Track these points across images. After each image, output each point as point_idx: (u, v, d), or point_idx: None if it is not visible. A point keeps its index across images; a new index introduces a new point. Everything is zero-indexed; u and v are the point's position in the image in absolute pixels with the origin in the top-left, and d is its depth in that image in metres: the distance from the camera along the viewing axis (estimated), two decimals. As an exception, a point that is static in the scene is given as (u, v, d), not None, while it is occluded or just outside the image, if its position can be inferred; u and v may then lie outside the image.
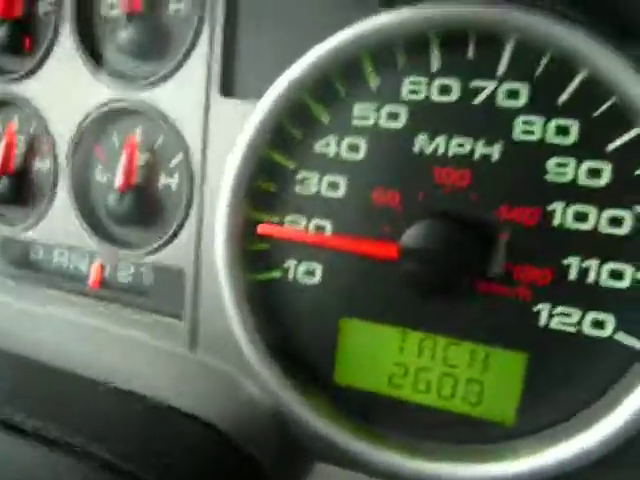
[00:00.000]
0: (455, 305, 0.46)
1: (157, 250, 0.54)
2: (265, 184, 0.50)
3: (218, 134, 0.51)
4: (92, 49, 0.55)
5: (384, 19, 0.43)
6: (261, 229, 0.48)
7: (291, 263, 0.50)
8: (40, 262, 0.63)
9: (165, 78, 0.52)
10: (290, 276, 0.51)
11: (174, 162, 0.54)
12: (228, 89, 0.50)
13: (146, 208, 0.55)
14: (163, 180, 0.54)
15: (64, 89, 0.56)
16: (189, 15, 0.51)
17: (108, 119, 0.55)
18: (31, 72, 0.58)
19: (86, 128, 0.56)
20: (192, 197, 0.52)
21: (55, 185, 0.58)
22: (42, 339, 0.57)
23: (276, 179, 0.49)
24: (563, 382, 0.44)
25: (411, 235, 0.44)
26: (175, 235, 0.53)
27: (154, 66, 0.53)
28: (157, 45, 0.52)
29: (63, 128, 0.57)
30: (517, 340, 0.45)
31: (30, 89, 0.58)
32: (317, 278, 0.50)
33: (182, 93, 0.51)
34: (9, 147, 0.60)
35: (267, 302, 0.51)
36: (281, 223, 0.50)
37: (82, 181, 0.58)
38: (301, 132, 0.48)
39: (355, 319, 0.49)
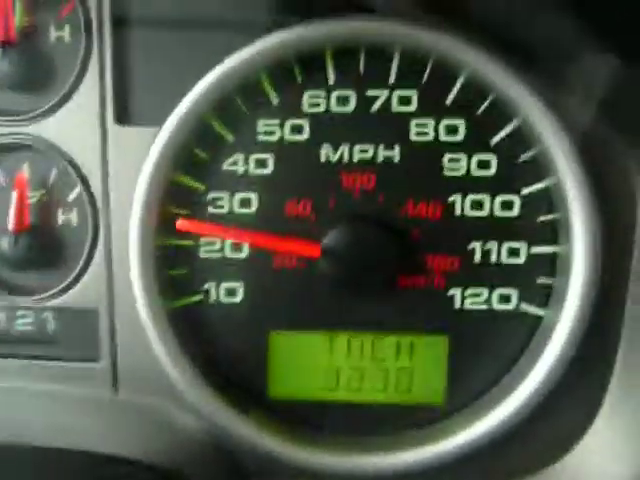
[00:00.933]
0: (377, 302, 0.49)
1: (62, 292, 0.51)
2: (176, 209, 0.49)
3: (119, 163, 0.49)
4: None
5: (278, 38, 0.45)
6: (180, 225, 0.47)
7: (211, 285, 0.50)
8: None
9: (54, 109, 0.49)
10: (212, 298, 0.50)
11: (72, 196, 0.51)
12: (124, 117, 0.49)
13: (45, 248, 0.51)
14: (61, 217, 0.51)
15: None
16: (73, 42, 0.49)
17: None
18: None
19: None
20: (97, 231, 0.50)
21: None
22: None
23: (187, 202, 0.49)
24: (482, 356, 0.49)
25: (332, 238, 0.46)
26: (82, 273, 0.51)
27: (37, 98, 0.50)
28: (39, 76, 0.50)
29: None
30: (437, 325, 0.49)
31: None
32: (239, 296, 0.50)
33: (74, 123, 0.49)
34: None
35: (191, 327, 0.50)
36: (197, 245, 0.49)
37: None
38: (207, 153, 0.48)
39: (282, 331, 0.50)
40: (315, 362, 0.50)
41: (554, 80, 0.45)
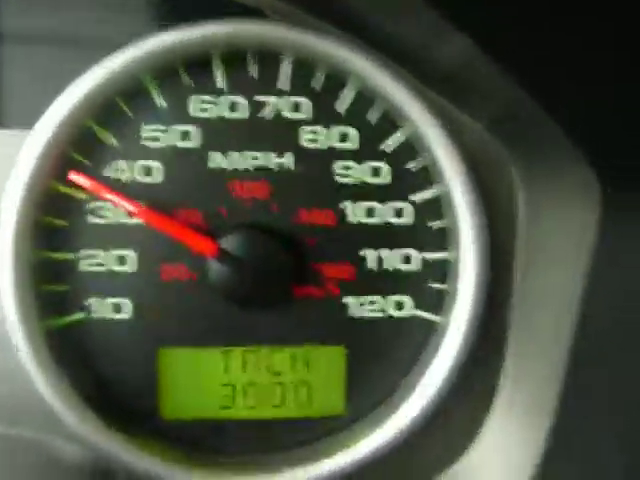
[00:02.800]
0: (272, 314, 0.47)
1: None
2: (53, 219, 0.45)
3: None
4: None
5: (164, 39, 0.43)
6: (73, 176, 0.44)
7: (94, 300, 0.46)
8: None
9: None
10: (95, 315, 0.47)
11: None
12: None
13: None
14: None
15: None
16: None
17: None
18: None
19: None
20: None
21: None
22: None
23: (65, 212, 0.45)
24: (380, 364, 0.48)
25: (225, 242, 0.45)
26: None
27: None
28: None
29: None
30: (334, 335, 0.48)
31: None
32: (126, 312, 0.47)
33: None
34: None
35: (73, 348, 0.46)
36: (77, 259, 0.46)
37: None
38: (88, 159, 0.45)
39: (173, 347, 0.47)
40: (209, 379, 0.48)
41: (444, 92, 0.46)
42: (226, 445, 0.48)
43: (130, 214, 0.45)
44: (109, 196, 0.44)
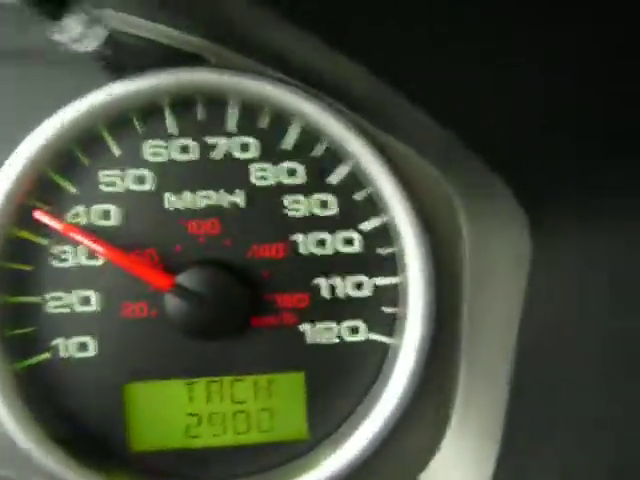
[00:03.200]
0: (232, 344, 0.49)
1: None
2: (16, 265, 0.47)
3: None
4: None
5: (115, 90, 0.46)
6: (38, 215, 0.46)
7: (59, 341, 0.48)
8: None
9: None
10: (61, 354, 0.49)
11: None
12: None
13: None
14: None
15: None
16: None
17: None
18: None
19: None
20: None
21: None
22: None
23: (28, 257, 0.48)
24: (339, 387, 0.50)
25: (181, 278, 0.47)
26: None
27: None
28: None
29: None
30: (292, 362, 0.50)
31: None
32: (91, 350, 0.49)
33: None
34: None
35: (40, 388, 0.48)
36: (42, 302, 0.48)
37: None
38: (47, 206, 0.47)
39: (139, 382, 0.49)
40: (175, 410, 0.50)
41: (383, 126, 0.49)
42: (193, 473, 0.50)
43: (92, 253, 0.48)
44: (74, 235, 0.46)
